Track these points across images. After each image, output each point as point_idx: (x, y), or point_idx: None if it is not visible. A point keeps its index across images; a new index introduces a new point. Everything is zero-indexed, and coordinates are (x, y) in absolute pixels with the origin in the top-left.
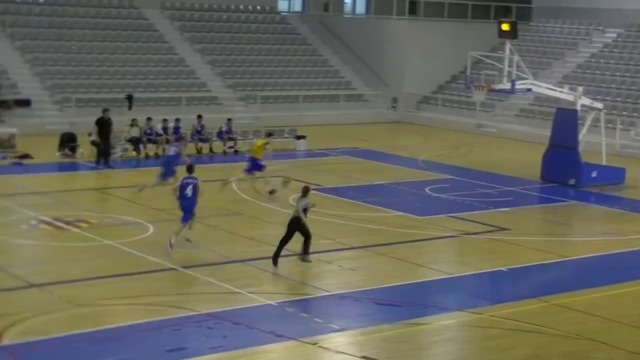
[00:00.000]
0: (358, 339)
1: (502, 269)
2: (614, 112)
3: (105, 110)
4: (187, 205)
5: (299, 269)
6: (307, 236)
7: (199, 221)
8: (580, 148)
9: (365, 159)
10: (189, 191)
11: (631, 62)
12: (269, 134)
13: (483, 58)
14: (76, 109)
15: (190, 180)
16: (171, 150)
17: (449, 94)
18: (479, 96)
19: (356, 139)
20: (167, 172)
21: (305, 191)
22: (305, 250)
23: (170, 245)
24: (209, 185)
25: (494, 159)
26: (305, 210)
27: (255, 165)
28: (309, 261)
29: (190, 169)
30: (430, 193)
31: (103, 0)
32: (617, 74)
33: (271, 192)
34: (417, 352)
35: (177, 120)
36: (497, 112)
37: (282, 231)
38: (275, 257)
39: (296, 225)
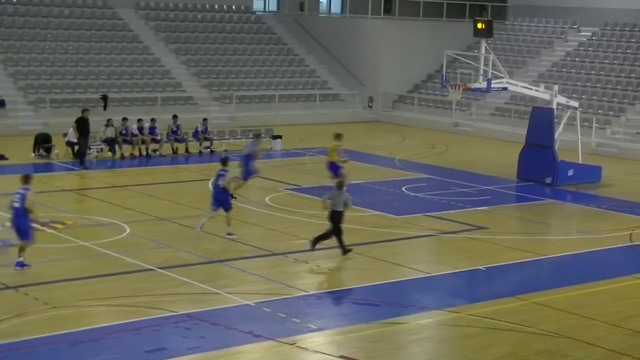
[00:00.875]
0: (336, 339)
1: (480, 267)
2: (590, 110)
3: (84, 111)
4: (216, 195)
5: (277, 269)
6: (340, 231)
7: (176, 222)
8: (556, 147)
9: None
10: (220, 182)
11: (606, 61)
12: (338, 135)
13: (459, 57)
14: (50, 110)
15: (221, 172)
16: (247, 149)
17: (425, 93)
18: (455, 95)
19: (332, 138)
20: (247, 171)
21: (341, 185)
22: (317, 242)
23: (201, 227)
24: (186, 185)
25: (471, 158)
26: (346, 204)
27: (332, 168)
28: (312, 250)
29: (224, 162)
30: (407, 192)
31: (77, 0)
32: (593, 72)
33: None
34: (395, 351)
35: (153, 120)
36: (473, 111)
37: (258, 231)
38: (342, 248)
39: (335, 218)
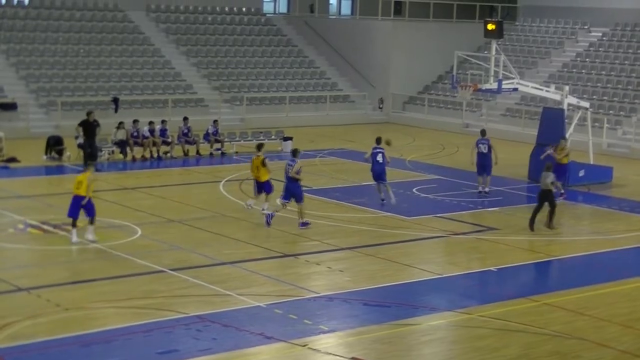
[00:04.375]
0: (347, 340)
1: (491, 268)
2: (601, 111)
3: (89, 113)
4: (377, 170)
5: (288, 271)
6: (554, 206)
7: (187, 224)
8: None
9: (352, 160)
10: (379, 158)
11: (617, 61)
12: (563, 137)
13: (469, 58)
14: (62, 112)
15: (378, 150)
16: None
17: (435, 94)
18: (464, 95)
19: (343, 140)
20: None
21: (549, 167)
22: (551, 219)
23: (383, 200)
24: (197, 187)
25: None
26: (552, 183)
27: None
28: (554, 228)
29: (378, 141)
30: (418, 193)
31: (88, 3)
32: (603, 72)
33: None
34: (407, 353)
35: (164, 122)
36: (483, 111)
37: (268, 233)
38: (531, 223)
39: (546, 197)
